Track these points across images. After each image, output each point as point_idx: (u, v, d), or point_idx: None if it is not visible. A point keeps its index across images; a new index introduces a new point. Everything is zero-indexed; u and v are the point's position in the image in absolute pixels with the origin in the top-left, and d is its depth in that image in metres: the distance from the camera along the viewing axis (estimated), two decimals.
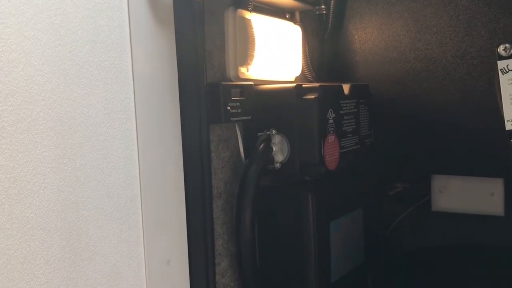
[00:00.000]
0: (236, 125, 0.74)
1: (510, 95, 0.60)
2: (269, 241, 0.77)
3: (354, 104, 0.81)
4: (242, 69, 0.74)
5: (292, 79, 0.87)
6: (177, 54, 0.64)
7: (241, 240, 0.69)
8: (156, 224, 0.60)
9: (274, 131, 0.73)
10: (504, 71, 0.59)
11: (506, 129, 0.62)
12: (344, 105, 0.79)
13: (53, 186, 0.49)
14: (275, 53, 0.81)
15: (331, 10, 0.94)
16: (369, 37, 0.95)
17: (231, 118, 0.69)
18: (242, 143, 0.75)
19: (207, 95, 0.66)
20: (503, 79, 0.59)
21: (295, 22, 0.88)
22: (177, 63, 0.64)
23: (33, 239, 0.47)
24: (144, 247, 0.59)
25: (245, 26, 0.74)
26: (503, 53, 0.60)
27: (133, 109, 0.57)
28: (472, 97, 0.87)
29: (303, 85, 0.74)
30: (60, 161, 0.49)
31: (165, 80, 0.62)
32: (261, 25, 0.77)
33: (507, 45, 0.60)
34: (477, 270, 0.83)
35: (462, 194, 0.91)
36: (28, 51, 0.46)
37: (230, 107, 0.69)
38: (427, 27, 0.90)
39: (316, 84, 0.75)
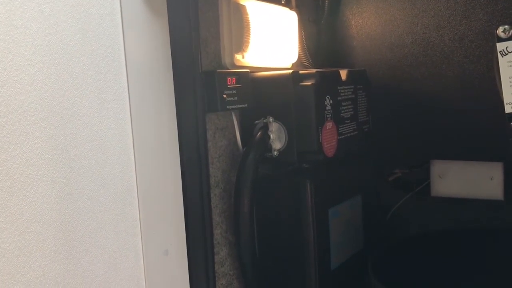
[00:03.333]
0: (232, 113, 0.74)
1: (509, 77, 0.59)
2: (268, 229, 0.76)
3: (351, 90, 0.81)
4: (238, 57, 0.73)
5: (289, 65, 0.86)
6: (171, 42, 0.62)
7: (239, 229, 0.69)
8: (153, 214, 0.60)
9: (271, 119, 0.72)
10: (504, 53, 0.58)
11: (506, 112, 0.61)
12: (342, 91, 0.78)
13: (47, 178, 0.48)
14: (271, 40, 0.80)
15: None
16: (366, 22, 0.94)
17: (228, 107, 0.68)
18: (239, 132, 0.74)
19: (202, 84, 0.65)
20: (502, 61, 0.59)
21: (291, 8, 0.86)
22: (171, 51, 0.63)
23: (28, 231, 0.46)
24: (141, 237, 0.58)
25: (240, 12, 0.73)
26: (502, 35, 0.59)
27: (127, 99, 0.57)
28: (471, 81, 0.86)
29: (300, 72, 0.73)
30: (53, 152, 0.49)
31: (159, 68, 0.61)
32: (256, 11, 0.76)
33: (506, 26, 0.59)
34: (476, 254, 0.83)
35: (462, 179, 0.90)
36: (18, 40, 0.45)
37: (226, 95, 0.68)
38: (424, 11, 0.88)
39: (313, 71, 0.74)
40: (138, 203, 0.58)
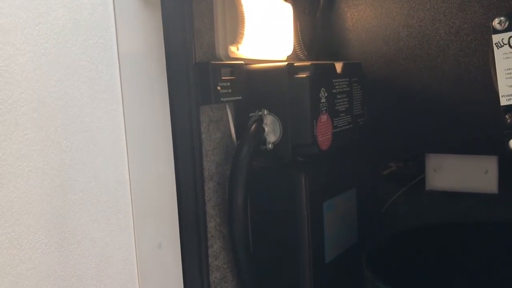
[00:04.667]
0: (226, 105, 0.73)
1: (505, 69, 0.59)
2: (262, 223, 0.76)
3: (346, 82, 0.80)
4: (232, 48, 0.73)
5: (284, 58, 0.86)
6: (164, 33, 0.62)
7: (233, 222, 0.69)
8: (146, 207, 0.59)
9: (265, 112, 0.71)
10: (499, 45, 0.58)
11: (501, 104, 0.61)
12: (337, 84, 0.77)
13: (38, 169, 0.47)
14: (266, 32, 0.79)
15: None
16: (362, 14, 0.93)
17: (222, 99, 0.68)
18: (233, 124, 0.74)
19: (196, 75, 0.65)
20: (497, 53, 0.58)
21: (286, 0, 0.86)
22: (165, 42, 0.62)
23: (18, 223, 0.46)
24: (134, 230, 0.58)
25: (235, 3, 0.72)
26: (498, 26, 0.58)
27: (119, 90, 0.56)
28: (466, 74, 0.86)
29: (295, 64, 0.73)
30: (44, 143, 0.48)
31: (152, 59, 0.60)
32: (251, 2, 0.75)
33: (502, 18, 0.58)
34: (471, 247, 0.83)
35: (456, 173, 0.90)
36: (7, 29, 0.45)
37: (220, 87, 0.67)
38: (420, 4, 0.88)
39: (308, 63, 0.73)
40: (131, 195, 0.57)
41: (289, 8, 0.85)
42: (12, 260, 0.45)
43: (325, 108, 0.73)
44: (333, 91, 0.76)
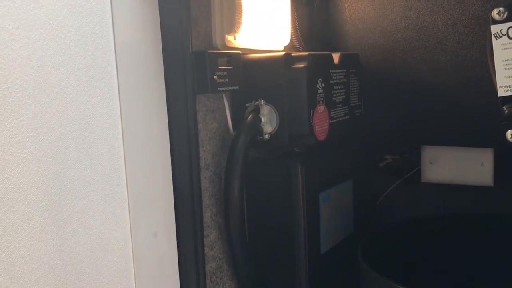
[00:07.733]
0: (223, 95, 0.73)
1: (503, 60, 0.59)
2: (258, 213, 0.76)
3: (344, 73, 0.80)
4: (229, 37, 0.72)
5: (281, 48, 0.85)
6: (161, 21, 0.61)
7: (229, 212, 0.69)
8: (142, 196, 0.59)
9: (262, 102, 0.71)
10: (498, 35, 0.58)
11: (498, 95, 0.60)
12: (334, 74, 0.77)
13: (33, 157, 0.47)
14: (264, 21, 0.78)
15: None
16: (359, 5, 0.93)
17: (218, 88, 0.67)
18: (230, 114, 0.73)
19: (192, 64, 0.64)
20: (496, 44, 0.58)
21: None
22: (161, 31, 0.61)
23: (13, 211, 0.45)
24: (129, 219, 0.58)
25: None
26: (497, 17, 0.58)
27: (115, 77, 0.55)
28: (463, 67, 0.86)
29: (292, 54, 0.72)
30: (39, 130, 0.47)
31: (148, 47, 0.60)
32: None
33: (501, 8, 0.58)
34: (466, 239, 0.84)
35: (452, 165, 0.90)
36: (1, 14, 0.44)
37: (217, 76, 0.67)
38: None
39: (305, 53, 0.73)
40: (127, 184, 0.57)
41: None
42: (7, 247, 0.45)
43: (322, 98, 0.73)
44: (330, 82, 0.76)
